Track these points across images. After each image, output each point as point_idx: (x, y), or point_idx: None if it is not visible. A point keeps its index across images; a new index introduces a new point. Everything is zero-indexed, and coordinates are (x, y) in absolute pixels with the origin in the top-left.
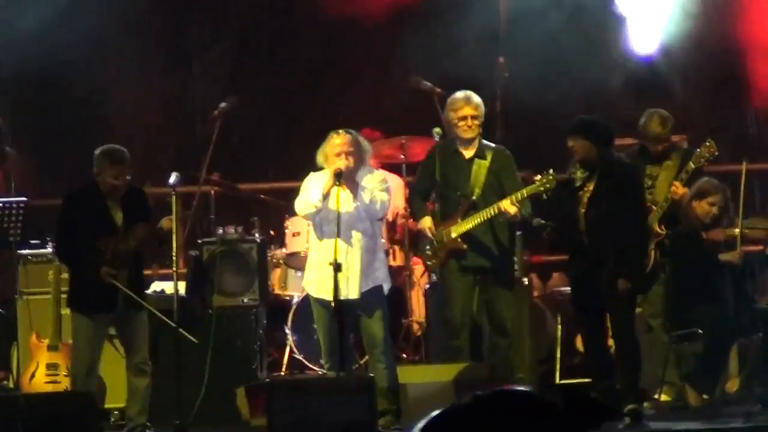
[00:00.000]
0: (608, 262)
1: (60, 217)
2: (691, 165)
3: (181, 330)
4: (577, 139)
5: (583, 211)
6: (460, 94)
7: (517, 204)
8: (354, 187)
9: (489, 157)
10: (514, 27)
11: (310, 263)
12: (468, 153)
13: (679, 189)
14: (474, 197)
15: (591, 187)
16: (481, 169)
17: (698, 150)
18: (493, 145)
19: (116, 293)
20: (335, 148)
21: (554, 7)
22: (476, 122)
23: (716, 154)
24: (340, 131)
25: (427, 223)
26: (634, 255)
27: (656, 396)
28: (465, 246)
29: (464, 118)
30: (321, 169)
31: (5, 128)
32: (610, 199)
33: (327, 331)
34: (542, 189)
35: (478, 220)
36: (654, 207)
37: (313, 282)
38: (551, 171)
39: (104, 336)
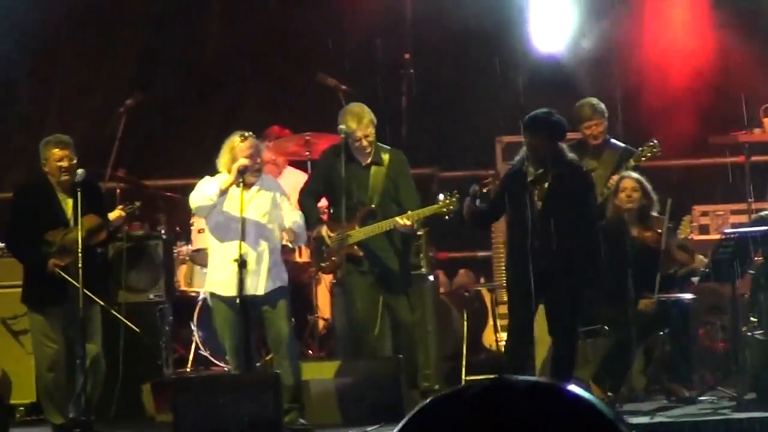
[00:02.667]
0: (566, 262)
1: (11, 211)
2: (632, 162)
3: (126, 322)
4: (535, 136)
5: (539, 208)
6: (348, 107)
7: (412, 220)
8: (259, 188)
9: (386, 162)
10: (420, 23)
11: (215, 265)
12: (364, 160)
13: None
14: (373, 205)
15: (545, 186)
16: (378, 176)
17: (641, 149)
18: (387, 147)
19: (66, 285)
20: (245, 150)
21: (459, 4)
22: (370, 138)
23: (659, 154)
24: (245, 134)
25: (323, 230)
26: (597, 258)
27: None
28: (361, 253)
29: (359, 138)
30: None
31: None
32: (570, 201)
33: (235, 330)
34: (444, 210)
35: (375, 231)
36: None
37: (222, 282)
38: (455, 192)
39: (61, 329)
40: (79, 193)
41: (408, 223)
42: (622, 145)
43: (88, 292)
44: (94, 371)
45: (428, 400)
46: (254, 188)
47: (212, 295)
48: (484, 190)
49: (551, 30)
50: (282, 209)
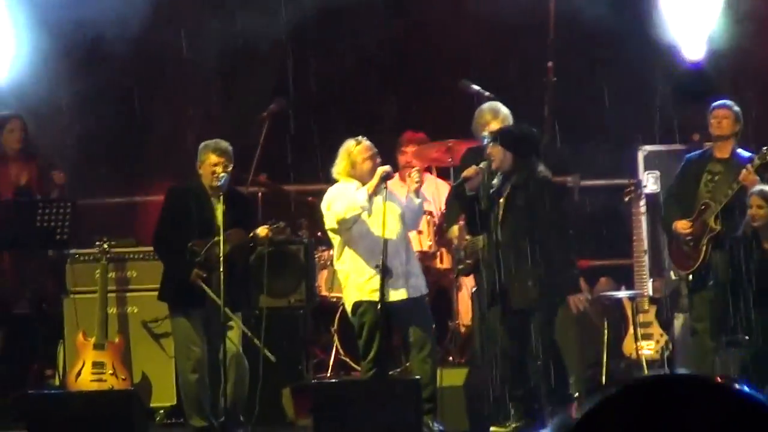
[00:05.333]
0: (524, 273)
1: (161, 211)
2: (757, 161)
3: (265, 351)
4: (494, 147)
5: (500, 218)
6: (486, 107)
7: None
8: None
9: None
10: (564, 31)
11: (363, 272)
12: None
13: (750, 174)
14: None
15: (505, 197)
16: None
17: (765, 148)
18: None
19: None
20: (363, 153)
21: (603, 9)
22: None
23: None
24: (359, 138)
25: (454, 231)
26: (566, 264)
27: None
28: None
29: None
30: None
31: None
32: (524, 212)
33: (380, 336)
34: None
35: None
36: (712, 204)
37: (373, 289)
38: None
39: (203, 332)
40: (222, 202)
41: None
42: (747, 155)
43: (227, 310)
44: (234, 376)
45: (605, 392)
46: (385, 194)
47: (361, 302)
48: (468, 178)
49: (695, 38)
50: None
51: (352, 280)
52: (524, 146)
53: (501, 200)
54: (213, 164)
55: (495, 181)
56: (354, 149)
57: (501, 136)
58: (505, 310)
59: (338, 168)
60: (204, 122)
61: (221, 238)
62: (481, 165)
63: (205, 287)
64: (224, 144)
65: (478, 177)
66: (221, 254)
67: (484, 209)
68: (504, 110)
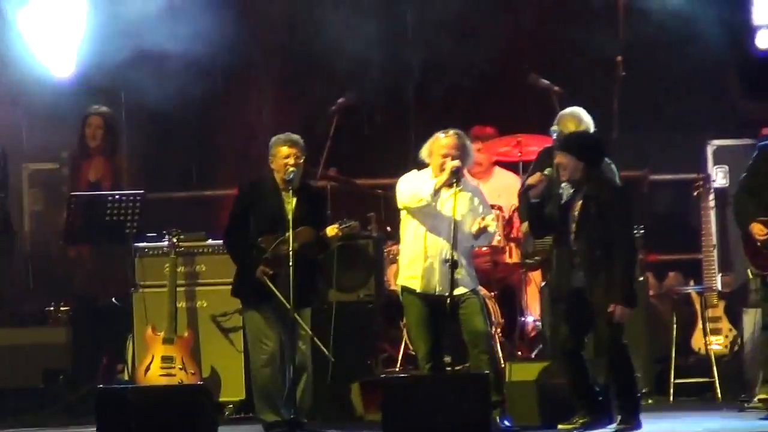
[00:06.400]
0: (600, 279)
1: (233, 207)
2: None
3: (321, 346)
4: (565, 156)
5: (573, 229)
6: (568, 113)
7: None
8: (461, 188)
9: None
10: (632, 25)
11: (412, 258)
12: None
13: None
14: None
15: (578, 206)
16: None
17: None
18: None
19: (278, 286)
20: (442, 148)
21: (673, 3)
22: None
23: None
24: (450, 131)
25: (526, 228)
26: (625, 274)
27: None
28: None
29: None
30: (422, 165)
31: (115, 123)
32: (598, 221)
33: (430, 331)
34: None
35: None
36: None
37: (418, 278)
38: None
39: (276, 327)
40: (294, 196)
41: None
42: None
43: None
44: (303, 372)
45: None
46: (455, 187)
47: (405, 289)
48: (532, 185)
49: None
50: (478, 210)
51: (400, 261)
52: (595, 154)
53: (575, 212)
54: (284, 156)
55: (563, 190)
56: (437, 139)
57: (570, 145)
58: (580, 312)
59: (423, 152)
60: (276, 118)
61: (290, 234)
62: (546, 172)
63: (270, 284)
64: (295, 137)
65: (541, 184)
66: (290, 251)
67: (548, 214)
68: (586, 117)
